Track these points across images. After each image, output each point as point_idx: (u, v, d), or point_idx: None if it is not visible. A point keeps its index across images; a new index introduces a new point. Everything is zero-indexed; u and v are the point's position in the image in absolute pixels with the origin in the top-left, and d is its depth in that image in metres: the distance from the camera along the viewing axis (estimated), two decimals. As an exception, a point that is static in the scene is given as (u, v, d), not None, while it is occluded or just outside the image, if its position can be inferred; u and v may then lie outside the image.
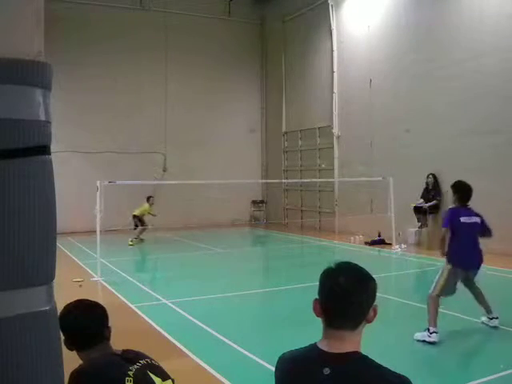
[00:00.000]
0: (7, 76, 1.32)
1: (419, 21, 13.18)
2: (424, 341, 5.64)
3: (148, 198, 14.36)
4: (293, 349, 1.87)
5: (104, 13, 17.05)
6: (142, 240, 14.13)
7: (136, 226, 14.04)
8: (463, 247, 5.99)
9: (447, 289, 5.94)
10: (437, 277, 6.04)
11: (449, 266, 5.96)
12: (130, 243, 13.56)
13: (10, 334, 1.34)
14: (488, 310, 6.25)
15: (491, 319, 6.19)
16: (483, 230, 6.07)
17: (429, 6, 12.95)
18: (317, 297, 1.77)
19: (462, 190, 6.11)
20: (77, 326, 2.33)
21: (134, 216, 14.09)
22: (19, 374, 1.36)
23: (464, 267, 5.99)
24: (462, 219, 5.96)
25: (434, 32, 12.77)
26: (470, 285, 6.17)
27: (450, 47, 12.29)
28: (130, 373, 2.16)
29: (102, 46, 16.88)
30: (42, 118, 1.41)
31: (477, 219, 6.02)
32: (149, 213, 14.29)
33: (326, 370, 1.66)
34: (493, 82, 11.23)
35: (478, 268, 6.09)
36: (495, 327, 6.11)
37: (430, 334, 5.67)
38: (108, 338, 2.39)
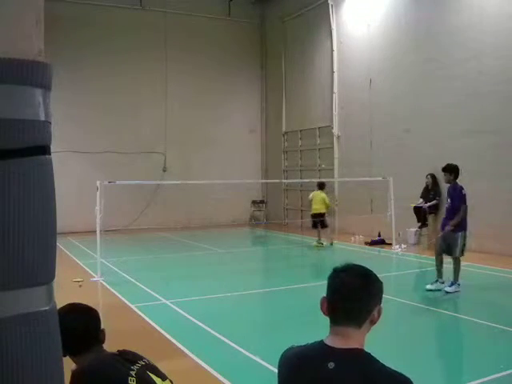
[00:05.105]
0: (7, 76, 1.32)
1: (419, 21, 13.17)
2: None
3: (321, 185, 12.58)
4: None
5: (104, 13, 17.05)
6: (321, 244, 12.71)
7: (323, 225, 12.53)
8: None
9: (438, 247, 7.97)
10: None
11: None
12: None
13: (10, 335, 1.34)
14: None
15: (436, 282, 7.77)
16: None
17: (429, 5, 12.93)
18: (324, 295, 1.82)
19: (457, 169, 7.73)
20: (75, 328, 2.22)
21: (318, 215, 12.46)
22: (19, 375, 1.36)
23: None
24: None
25: (433, 32, 12.75)
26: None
27: (450, 47, 12.28)
28: (133, 373, 2.14)
29: (102, 46, 16.89)
30: (42, 118, 1.41)
31: None
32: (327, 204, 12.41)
33: (331, 365, 1.69)
34: (493, 82, 11.22)
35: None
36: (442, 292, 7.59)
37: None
38: (103, 341, 2.34)
